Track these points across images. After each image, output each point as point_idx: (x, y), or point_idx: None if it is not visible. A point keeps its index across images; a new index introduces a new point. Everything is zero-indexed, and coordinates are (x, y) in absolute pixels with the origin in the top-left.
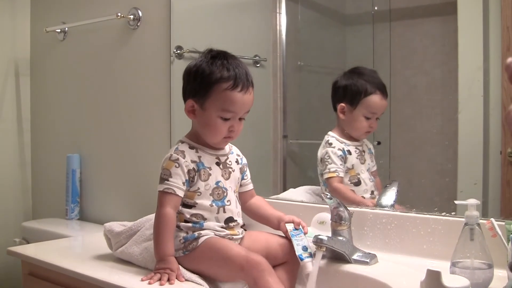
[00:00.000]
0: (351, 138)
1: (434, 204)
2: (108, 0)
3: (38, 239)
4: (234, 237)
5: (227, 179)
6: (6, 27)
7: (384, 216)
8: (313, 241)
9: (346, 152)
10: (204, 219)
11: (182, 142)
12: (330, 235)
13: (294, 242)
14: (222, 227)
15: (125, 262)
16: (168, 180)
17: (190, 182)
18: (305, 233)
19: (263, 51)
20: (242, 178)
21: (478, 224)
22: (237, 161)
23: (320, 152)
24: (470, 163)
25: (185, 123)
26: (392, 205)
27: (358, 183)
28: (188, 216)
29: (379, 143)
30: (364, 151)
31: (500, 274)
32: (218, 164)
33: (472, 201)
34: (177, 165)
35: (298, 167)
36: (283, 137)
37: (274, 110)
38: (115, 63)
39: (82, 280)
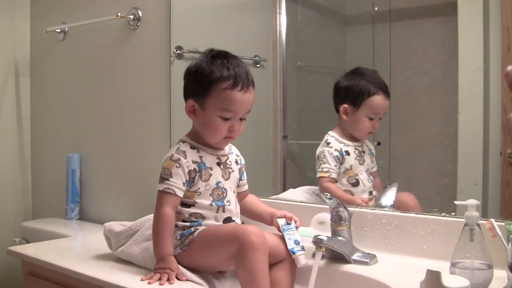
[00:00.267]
0: (351, 138)
1: (434, 205)
2: (108, 0)
3: (38, 239)
4: None
5: (227, 179)
6: (6, 27)
7: (384, 217)
8: (312, 241)
9: (344, 153)
10: (203, 218)
11: (184, 141)
12: (329, 235)
13: (286, 237)
14: None
15: (125, 261)
16: (168, 180)
17: (190, 182)
18: (297, 227)
19: (263, 51)
20: (240, 179)
21: (478, 225)
22: (236, 161)
23: (318, 151)
24: (470, 164)
25: (185, 123)
26: (392, 206)
27: (356, 184)
28: (186, 215)
29: (379, 143)
30: (364, 152)
31: (499, 274)
32: (219, 164)
33: (472, 202)
34: (178, 165)
35: (298, 167)
36: (283, 137)
37: (274, 111)
38: (115, 63)
39: (82, 280)
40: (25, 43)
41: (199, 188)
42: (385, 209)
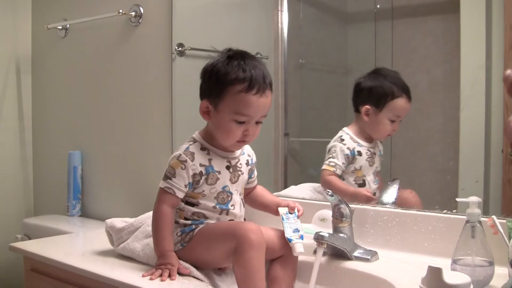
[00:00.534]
0: (366, 139)
1: (436, 202)
2: None
3: (40, 235)
4: None
5: (234, 182)
6: (7, 24)
7: (385, 214)
8: (314, 238)
9: (356, 153)
10: (206, 217)
11: (195, 141)
12: (331, 232)
13: (285, 225)
14: None
15: (127, 258)
16: (170, 179)
17: (194, 184)
18: (298, 216)
19: (265, 48)
20: (250, 177)
21: (480, 222)
22: (247, 162)
23: (330, 144)
24: (472, 161)
25: (186, 121)
26: (394, 203)
27: (362, 185)
28: (189, 214)
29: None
30: (375, 154)
31: (500, 271)
32: (228, 167)
33: (474, 199)
34: (183, 167)
35: (300, 165)
36: (285, 135)
37: (276, 108)
38: (117, 60)
39: (84, 276)
40: (26, 40)
41: (203, 191)
42: (386, 206)
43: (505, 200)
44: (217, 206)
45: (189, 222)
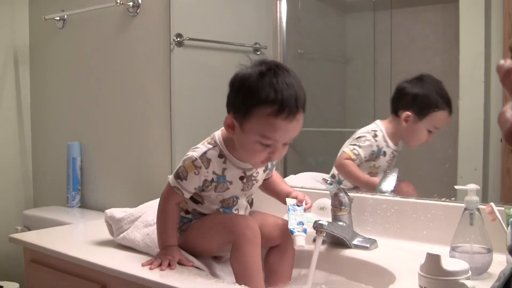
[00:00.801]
0: (395, 141)
1: (434, 190)
2: None
3: (40, 227)
4: None
5: (246, 190)
6: (5, 15)
7: (384, 202)
8: (313, 226)
9: (381, 153)
10: (206, 215)
11: (215, 145)
12: (330, 220)
13: (290, 216)
14: None
15: (127, 248)
16: (181, 181)
17: (203, 187)
18: (305, 209)
19: (264, 38)
20: (265, 172)
21: (478, 209)
22: (265, 168)
23: (361, 132)
24: (471, 150)
25: (185, 111)
26: (392, 191)
27: None
28: (191, 208)
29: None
30: (395, 156)
31: (499, 258)
32: (242, 178)
33: (472, 186)
34: (197, 172)
35: (299, 154)
36: None
37: None
38: (115, 51)
39: (84, 266)
40: (24, 31)
41: (210, 195)
42: (385, 194)
43: (504, 189)
44: (221, 210)
45: (189, 216)
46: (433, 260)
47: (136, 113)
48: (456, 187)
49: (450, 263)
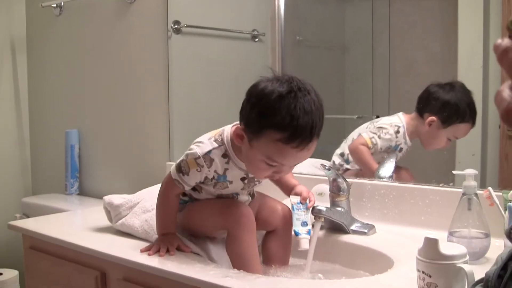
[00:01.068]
0: (412, 138)
1: (432, 175)
2: None
3: (39, 214)
4: None
5: (247, 189)
6: (1, 3)
7: (382, 187)
8: (312, 212)
9: (398, 149)
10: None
11: (221, 144)
12: (328, 206)
13: (294, 216)
14: None
15: (125, 234)
16: (183, 175)
17: (203, 180)
18: (308, 208)
19: (262, 25)
20: None
21: (476, 194)
22: None
23: (384, 122)
24: (469, 135)
25: (183, 98)
26: (391, 176)
27: None
28: (188, 193)
29: (377, 117)
30: (407, 152)
31: (497, 243)
32: (243, 179)
33: (470, 171)
34: (199, 170)
35: None
36: None
37: None
38: (112, 38)
39: (83, 253)
40: (20, 19)
41: (209, 189)
42: (383, 180)
43: (502, 174)
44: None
45: (185, 198)
46: (431, 245)
47: (134, 100)
48: (454, 172)
49: (448, 248)
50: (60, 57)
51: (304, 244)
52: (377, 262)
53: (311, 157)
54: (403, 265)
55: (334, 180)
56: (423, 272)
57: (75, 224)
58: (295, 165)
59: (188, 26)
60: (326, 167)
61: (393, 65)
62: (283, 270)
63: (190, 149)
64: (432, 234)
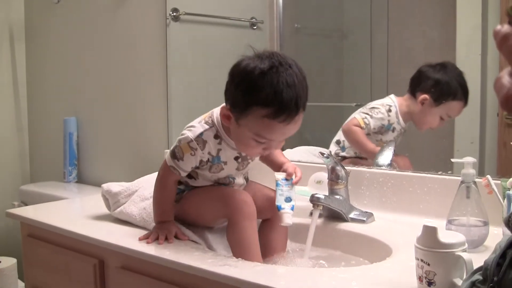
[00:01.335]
0: (406, 119)
1: (431, 163)
2: None
3: (37, 202)
4: None
5: (241, 169)
6: None
7: (381, 175)
8: (310, 200)
9: (391, 128)
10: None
11: (212, 125)
12: (327, 194)
13: (277, 192)
14: None
15: (124, 222)
16: (178, 161)
17: (199, 165)
18: (294, 183)
19: (260, 13)
20: None
21: (474, 182)
22: None
23: (375, 103)
24: (467, 123)
25: (181, 86)
26: (389, 164)
27: None
28: (184, 180)
29: None
30: (402, 133)
31: (495, 231)
32: (237, 158)
33: (469, 159)
34: (193, 153)
35: None
36: None
37: None
38: (111, 25)
39: (81, 241)
40: (19, 6)
41: (205, 174)
42: (382, 168)
43: (500, 161)
44: (215, 184)
45: (181, 187)
46: (429, 233)
47: (132, 87)
48: (452, 160)
49: (446, 236)
50: (59, 44)
51: (286, 218)
52: (376, 250)
53: (309, 145)
54: (402, 253)
55: (333, 168)
56: (421, 260)
57: (73, 212)
58: (284, 139)
59: (186, 13)
60: (325, 155)
61: (392, 52)
62: (281, 258)
63: (182, 134)
64: (431, 222)
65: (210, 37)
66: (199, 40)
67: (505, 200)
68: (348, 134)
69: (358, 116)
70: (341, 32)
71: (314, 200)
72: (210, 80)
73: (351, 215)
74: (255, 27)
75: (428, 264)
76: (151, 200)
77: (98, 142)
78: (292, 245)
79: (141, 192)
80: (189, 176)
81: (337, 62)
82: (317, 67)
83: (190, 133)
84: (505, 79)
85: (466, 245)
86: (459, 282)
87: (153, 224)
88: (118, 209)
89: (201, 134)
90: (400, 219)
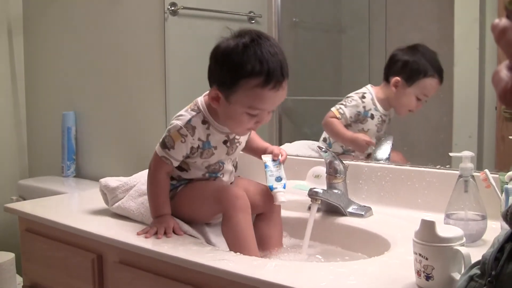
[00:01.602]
0: (384, 106)
1: (429, 158)
2: None
3: (35, 196)
4: None
5: (230, 154)
6: None
7: (379, 170)
8: (308, 194)
9: (369, 115)
10: (191, 180)
11: (199, 111)
12: (325, 188)
13: (267, 174)
14: None
15: (122, 216)
16: (169, 150)
17: (190, 154)
18: (281, 162)
19: (258, 7)
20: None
21: (472, 176)
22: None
23: (351, 94)
24: (465, 117)
25: (179, 80)
26: (387, 159)
27: None
28: (176, 175)
29: None
30: (385, 121)
31: (493, 225)
32: (225, 142)
33: (467, 153)
34: (183, 141)
35: (294, 123)
36: None
37: None
38: (109, 20)
39: (79, 235)
40: (17, 0)
41: (196, 162)
42: (380, 162)
43: (498, 155)
44: (206, 174)
45: (174, 182)
46: (427, 227)
47: (130, 82)
48: (450, 154)
49: (444, 230)
50: (57, 39)
51: (280, 197)
52: (374, 244)
53: (308, 139)
54: (400, 247)
55: (331, 162)
56: (419, 254)
57: (72, 206)
58: (271, 112)
59: (184, 8)
60: (323, 149)
61: (390, 47)
62: (279, 252)
63: (171, 124)
64: (429, 216)
65: (208, 31)
66: (197, 35)
67: (503, 194)
68: (326, 127)
69: (333, 108)
70: (339, 27)
71: (312, 194)
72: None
73: (350, 209)
74: (253, 21)
75: (426, 259)
76: None
77: (96, 137)
78: (290, 239)
79: (139, 187)
80: (181, 169)
81: (335, 56)
82: (315, 61)
83: (179, 121)
84: (503, 72)
85: (464, 239)
86: (457, 276)
87: (151, 219)
88: (116, 204)
89: (190, 120)
90: (398, 213)
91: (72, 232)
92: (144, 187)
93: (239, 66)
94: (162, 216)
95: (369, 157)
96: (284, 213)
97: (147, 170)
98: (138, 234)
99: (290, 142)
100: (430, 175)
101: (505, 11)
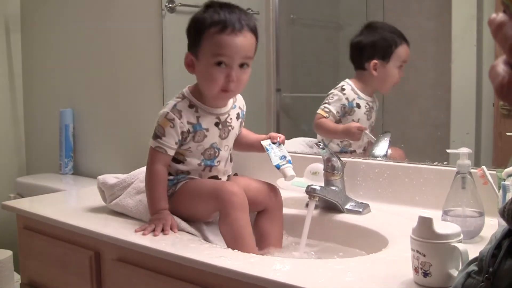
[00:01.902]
0: (367, 93)
1: (427, 154)
2: None
3: (33, 194)
4: None
5: (224, 138)
6: None
7: (376, 166)
8: (306, 191)
9: (355, 105)
10: (188, 173)
11: (183, 97)
12: (323, 185)
13: (271, 155)
14: None
15: (120, 214)
16: (161, 139)
17: (182, 141)
18: (281, 142)
19: (256, 4)
20: (238, 130)
21: (470, 173)
22: (237, 116)
23: (330, 91)
24: (463, 113)
25: (177, 78)
26: (385, 155)
27: None
28: (173, 170)
29: None
30: (373, 108)
31: (491, 222)
32: (217, 124)
33: (464, 150)
34: (172, 125)
35: (292, 120)
36: (276, 90)
37: (267, 64)
38: (107, 17)
39: (77, 233)
40: None
41: (190, 147)
42: (378, 159)
43: (496, 152)
44: (203, 163)
45: (171, 177)
46: (425, 224)
47: (128, 79)
48: (448, 151)
49: (442, 227)
50: (55, 36)
51: (289, 171)
52: (372, 241)
53: (305, 136)
54: (398, 244)
55: (328, 159)
56: (417, 251)
57: (70, 204)
58: (244, 68)
59: (182, 4)
60: (321, 146)
61: None
62: (277, 249)
63: (159, 114)
64: (427, 213)
65: None
66: None
67: (501, 190)
68: (317, 129)
69: (318, 110)
70: (337, 23)
71: (310, 191)
72: None
73: (347, 206)
74: None
75: (424, 255)
76: None
77: (94, 134)
78: (289, 236)
79: (136, 184)
80: (177, 161)
81: (333, 53)
82: (313, 58)
83: (165, 109)
84: (500, 67)
85: (462, 236)
86: (454, 273)
87: (149, 216)
88: (114, 201)
89: (175, 105)
90: (396, 210)
91: (70, 230)
92: (142, 184)
93: (201, 24)
94: (160, 213)
95: (366, 152)
96: None
97: (144, 168)
98: (136, 231)
99: (288, 139)
100: (428, 172)
101: (502, 6)
